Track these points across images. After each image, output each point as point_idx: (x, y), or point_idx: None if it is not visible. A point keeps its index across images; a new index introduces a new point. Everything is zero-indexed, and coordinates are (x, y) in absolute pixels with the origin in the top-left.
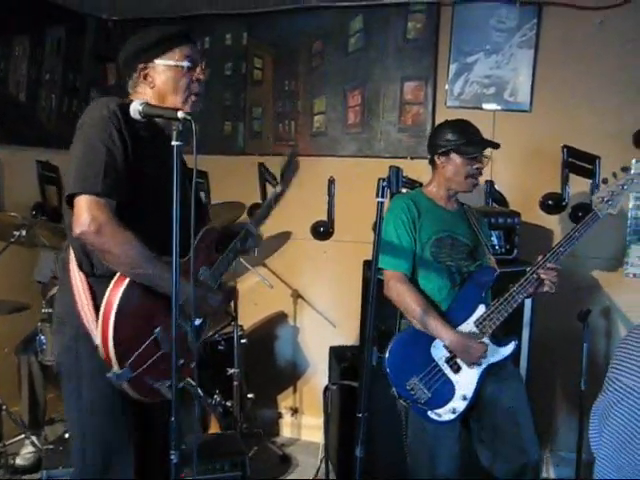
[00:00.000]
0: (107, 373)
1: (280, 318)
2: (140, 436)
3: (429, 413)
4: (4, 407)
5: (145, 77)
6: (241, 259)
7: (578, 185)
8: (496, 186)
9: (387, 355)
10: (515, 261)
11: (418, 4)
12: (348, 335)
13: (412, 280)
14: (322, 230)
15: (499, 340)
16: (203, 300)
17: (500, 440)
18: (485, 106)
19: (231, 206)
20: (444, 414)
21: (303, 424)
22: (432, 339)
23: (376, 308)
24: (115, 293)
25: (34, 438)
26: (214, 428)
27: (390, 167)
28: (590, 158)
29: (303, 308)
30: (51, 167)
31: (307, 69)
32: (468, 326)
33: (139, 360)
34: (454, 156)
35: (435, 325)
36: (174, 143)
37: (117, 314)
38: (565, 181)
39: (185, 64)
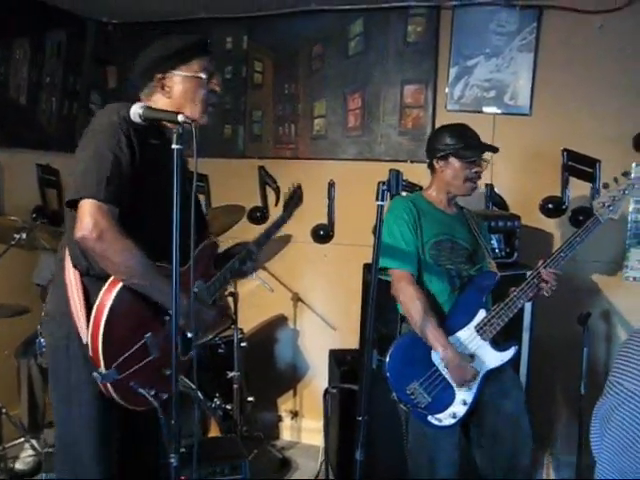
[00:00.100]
0: (93, 372)
1: (280, 321)
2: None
3: (429, 418)
4: (4, 410)
5: (163, 87)
6: None
7: (578, 189)
8: (496, 189)
9: (387, 359)
10: (515, 265)
11: (418, 7)
12: (348, 338)
13: (417, 282)
14: (322, 233)
15: (499, 345)
16: (197, 314)
17: (499, 446)
18: (485, 109)
19: (231, 209)
20: (444, 419)
21: (303, 427)
22: None
23: (376, 311)
24: (110, 292)
25: (34, 442)
26: (214, 431)
27: (390, 170)
28: (590, 161)
29: (303, 311)
30: (51, 170)
31: (307, 72)
32: (469, 331)
33: (126, 363)
34: (453, 160)
35: (433, 335)
36: (174, 146)
37: (110, 313)
38: (565, 185)
39: (203, 75)
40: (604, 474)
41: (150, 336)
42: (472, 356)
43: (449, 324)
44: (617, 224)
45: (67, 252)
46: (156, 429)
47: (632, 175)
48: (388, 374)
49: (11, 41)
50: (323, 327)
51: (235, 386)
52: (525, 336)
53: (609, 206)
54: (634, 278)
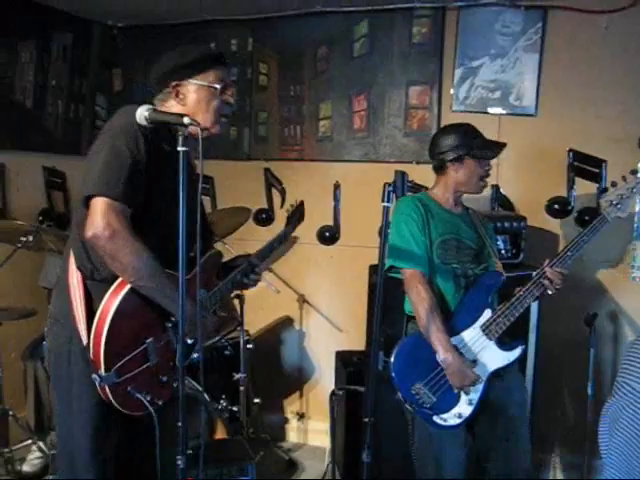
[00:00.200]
0: (92, 374)
1: (286, 323)
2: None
3: (434, 418)
4: (11, 412)
5: (177, 94)
6: None
7: (584, 189)
8: (502, 190)
9: (392, 360)
10: (521, 265)
11: (423, 9)
12: (354, 340)
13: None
14: (328, 235)
15: (505, 345)
16: (202, 320)
17: (503, 447)
18: (490, 110)
19: (237, 211)
20: (450, 419)
21: (309, 429)
22: None
23: (382, 312)
24: (115, 296)
25: (41, 443)
26: (220, 433)
27: (396, 172)
28: (596, 162)
29: (309, 313)
30: (57, 173)
31: (312, 74)
32: (474, 331)
33: (125, 367)
34: (468, 160)
35: (436, 337)
36: (180, 149)
37: (114, 317)
38: (571, 185)
39: (218, 86)
40: (612, 474)
41: (151, 342)
42: (474, 361)
43: (454, 324)
44: (624, 224)
45: (71, 255)
46: (154, 434)
47: None
48: (393, 374)
49: (17, 44)
50: (329, 328)
51: (241, 388)
52: (532, 337)
53: (617, 204)
54: None
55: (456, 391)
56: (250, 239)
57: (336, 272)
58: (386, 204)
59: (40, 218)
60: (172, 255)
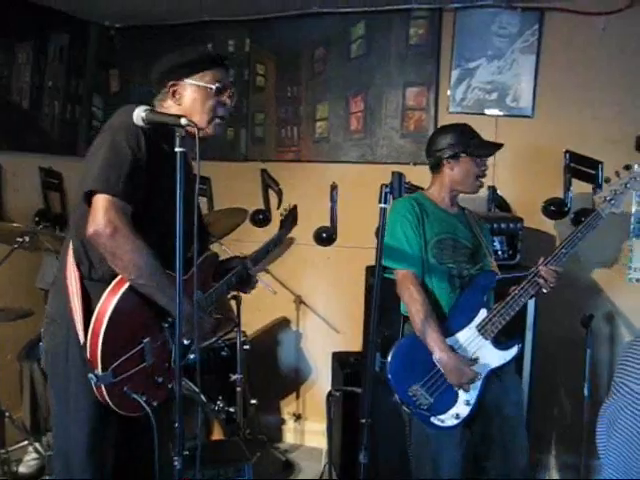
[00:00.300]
0: (89, 373)
1: (283, 324)
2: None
3: (432, 419)
4: (7, 414)
5: (174, 94)
6: None
7: (581, 190)
8: (498, 192)
9: (388, 361)
10: (518, 266)
11: (420, 10)
12: (351, 341)
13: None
14: (325, 236)
15: (502, 344)
16: (199, 321)
17: (500, 447)
18: (487, 112)
19: (234, 212)
20: (447, 419)
21: (306, 430)
22: None
23: (379, 313)
24: (113, 295)
25: (37, 445)
26: (217, 434)
27: (393, 173)
28: (593, 163)
29: (306, 314)
30: (54, 174)
31: (309, 75)
32: (470, 331)
33: (122, 367)
34: (465, 158)
35: (431, 338)
36: (177, 149)
37: (112, 314)
38: (568, 186)
39: (213, 86)
40: (610, 474)
41: (148, 342)
42: (475, 359)
43: (450, 324)
44: (621, 225)
45: (69, 254)
46: (150, 435)
47: (636, 168)
48: (390, 376)
49: (14, 45)
50: (326, 330)
51: (238, 389)
52: (528, 337)
53: (610, 200)
54: (637, 280)
55: (456, 389)
56: (247, 240)
57: (333, 273)
58: (383, 205)
59: (36, 219)
60: (170, 254)
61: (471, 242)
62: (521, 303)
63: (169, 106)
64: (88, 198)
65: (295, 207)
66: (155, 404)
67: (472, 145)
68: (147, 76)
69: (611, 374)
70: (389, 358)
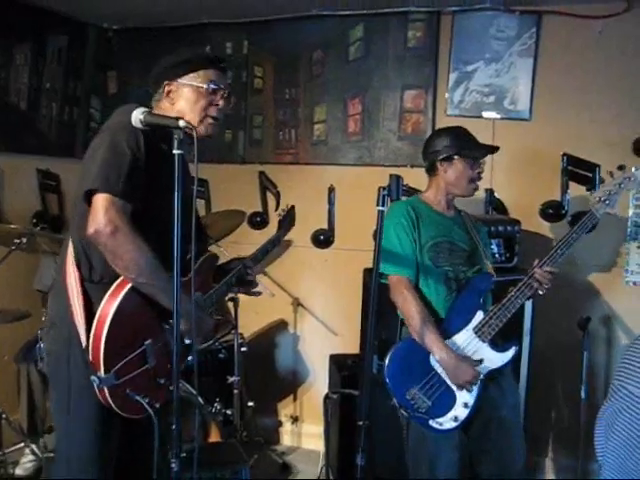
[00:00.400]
0: (91, 376)
1: (280, 326)
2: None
3: (431, 422)
4: (4, 415)
5: (168, 94)
6: None
7: (578, 193)
8: (496, 194)
9: (386, 365)
10: (515, 269)
11: (418, 13)
12: (348, 343)
13: (415, 287)
14: (322, 238)
15: (499, 346)
16: (199, 320)
17: (496, 450)
18: (485, 114)
19: (231, 214)
20: (446, 422)
21: (303, 432)
22: None
23: (377, 316)
24: (115, 297)
25: (34, 447)
26: (214, 436)
27: (390, 175)
28: (590, 166)
29: (303, 316)
30: (51, 175)
31: (308, 77)
32: (467, 333)
33: (124, 369)
34: (457, 161)
35: (429, 339)
36: (175, 152)
37: (114, 316)
38: (565, 189)
39: (206, 86)
40: (609, 475)
41: (149, 343)
42: (480, 360)
43: (447, 327)
44: (618, 228)
45: (68, 256)
46: (152, 436)
47: (633, 170)
48: (387, 380)
49: (12, 46)
50: (323, 332)
51: (235, 391)
52: (525, 340)
53: (605, 200)
54: (634, 282)
55: (454, 390)
56: (244, 242)
57: (330, 275)
58: (381, 208)
59: (34, 220)
60: (169, 255)
61: (468, 244)
62: (517, 305)
63: (164, 106)
64: (88, 197)
65: (293, 207)
66: (157, 406)
67: (465, 147)
68: (145, 78)
69: (608, 376)
70: (387, 362)
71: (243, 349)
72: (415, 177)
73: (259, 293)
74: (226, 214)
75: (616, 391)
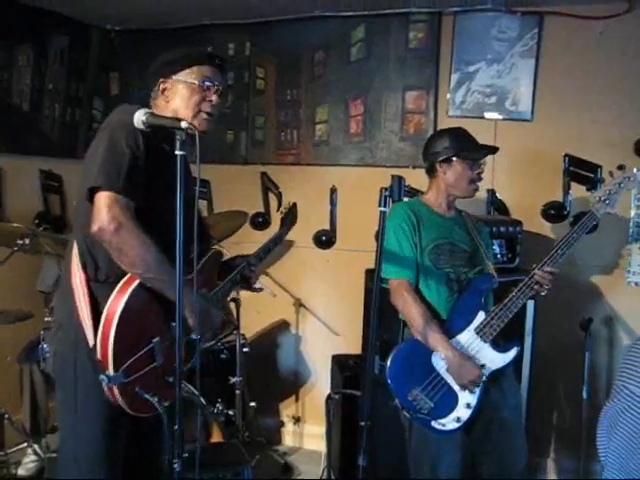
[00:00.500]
0: (100, 375)
1: (282, 327)
2: (131, 447)
3: (433, 423)
4: (6, 415)
5: (163, 92)
6: None
7: (580, 194)
8: (497, 195)
9: (388, 367)
10: (517, 270)
11: (420, 14)
12: (350, 344)
13: (415, 289)
14: (324, 239)
15: (500, 346)
16: (207, 315)
17: (498, 451)
18: (487, 115)
19: (233, 215)
20: (448, 423)
21: (305, 433)
22: None
23: (379, 317)
24: (122, 295)
25: (36, 447)
26: (216, 437)
27: (392, 176)
28: (592, 167)
29: (305, 317)
30: (54, 176)
31: (309, 78)
32: (469, 334)
33: (133, 367)
34: (456, 162)
35: (434, 338)
36: (177, 152)
37: (122, 314)
38: (567, 190)
39: (199, 82)
40: (611, 475)
41: (157, 341)
42: (482, 366)
43: (448, 327)
44: (619, 229)
45: (73, 257)
46: (159, 435)
47: (635, 170)
48: (389, 381)
49: (14, 47)
50: (325, 332)
51: (237, 391)
52: (527, 341)
53: (605, 200)
54: (636, 283)
55: (456, 391)
56: (246, 243)
57: (332, 276)
58: (382, 209)
59: (36, 221)
60: (172, 255)
61: (469, 245)
62: (519, 305)
63: (160, 104)
64: (90, 195)
65: (295, 205)
66: (166, 404)
67: (464, 149)
68: (147, 79)
69: (610, 377)
70: (389, 363)
71: (245, 350)
72: (417, 178)
73: (260, 289)
74: (228, 215)
75: (618, 391)
